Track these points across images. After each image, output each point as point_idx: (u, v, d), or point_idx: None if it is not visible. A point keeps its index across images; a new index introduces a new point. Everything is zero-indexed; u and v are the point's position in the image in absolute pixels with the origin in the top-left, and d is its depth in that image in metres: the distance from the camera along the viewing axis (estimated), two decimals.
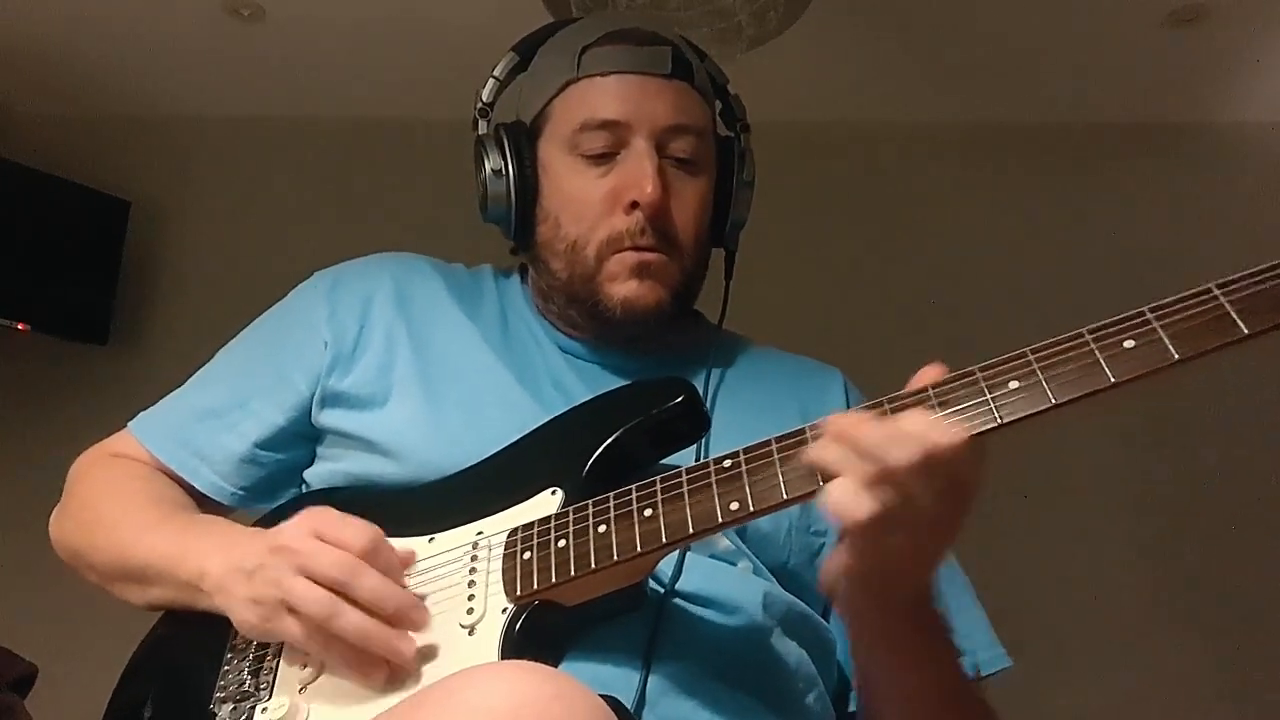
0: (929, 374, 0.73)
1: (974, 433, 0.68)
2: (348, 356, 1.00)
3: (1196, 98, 2.76)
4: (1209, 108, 2.79)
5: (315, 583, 0.76)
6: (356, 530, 0.78)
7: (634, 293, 0.98)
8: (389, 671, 0.76)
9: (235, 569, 0.82)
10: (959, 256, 2.75)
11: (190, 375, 1.09)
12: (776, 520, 0.75)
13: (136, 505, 0.97)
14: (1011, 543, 2.35)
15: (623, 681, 0.79)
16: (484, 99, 1.09)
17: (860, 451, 0.68)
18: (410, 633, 0.77)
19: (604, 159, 1.00)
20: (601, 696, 0.66)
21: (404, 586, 0.80)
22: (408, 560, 0.81)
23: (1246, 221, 2.51)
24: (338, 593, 0.76)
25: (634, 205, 0.97)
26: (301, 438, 1.02)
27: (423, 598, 0.80)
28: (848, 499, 0.68)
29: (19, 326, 2.69)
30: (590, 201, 1.00)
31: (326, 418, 0.99)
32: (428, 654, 0.77)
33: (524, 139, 1.05)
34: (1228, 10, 2.44)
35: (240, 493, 1.01)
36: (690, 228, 1.01)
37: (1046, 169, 2.82)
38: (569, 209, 1.01)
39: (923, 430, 0.67)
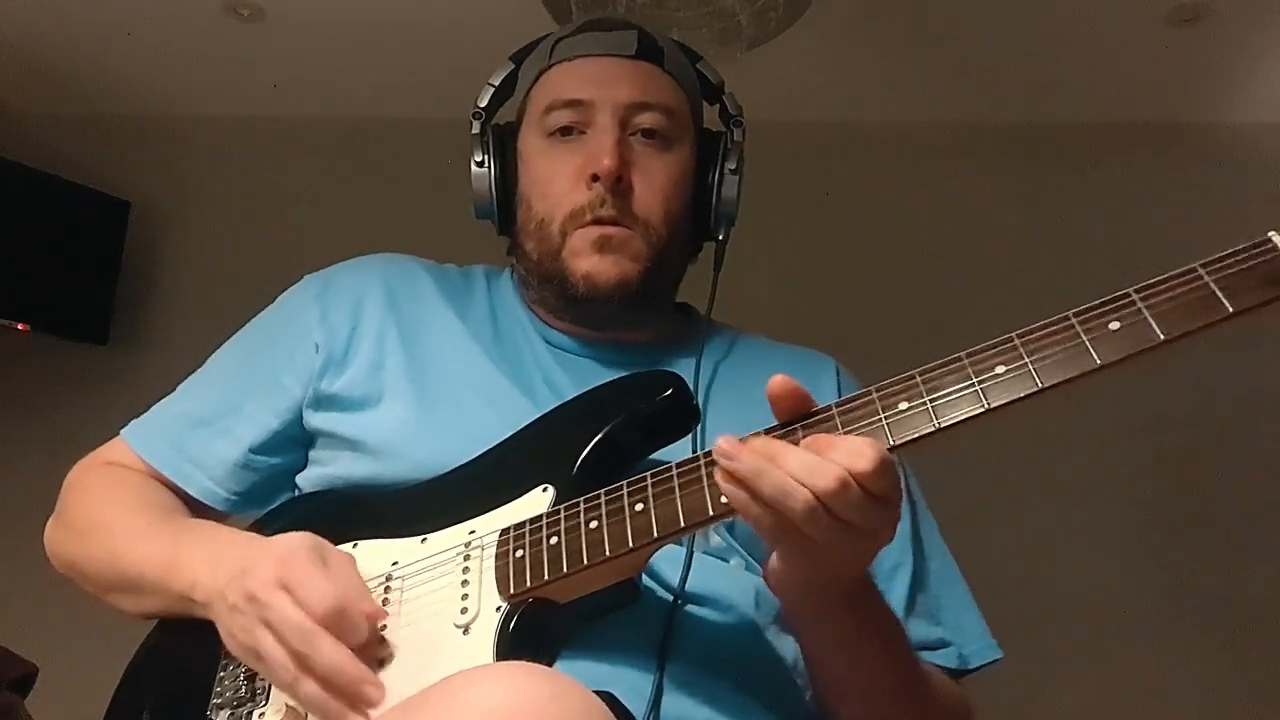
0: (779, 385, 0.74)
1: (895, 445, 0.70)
2: (339, 359, 1.00)
3: (1196, 98, 2.75)
4: (1209, 108, 2.78)
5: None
6: (321, 593, 0.76)
7: (596, 266, 0.99)
8: None
9: (219, 594, 0.81)
10: (958, 256, 2.75)
11: (190, 375, 1.09)
12: None
13: (129, 512, 0.97)
14: (1009, 541, 2.35)
15: (634, 681, 0.79)
16: (479, 104, 1.11)
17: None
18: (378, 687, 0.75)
19: (571, 139, 1.02)
20: (599, 693, 0.66)
21: (378, 637, 0.78)
22: (376, 616, 0.79)
23: (1246, 221, 2.49)
24: None
25: (595, 179, 0.99)
26: (294, 441, 1.02)
27: (408, 632, 0.80)
28: (778, 531, 0.70)
29: (19, 326, 2.69)
30: (556, 179, 1.02)
31: (318, 420, 0.99)
32: (423, 654, 0.78)
33: (507, 134, 1.09)
34: (1228, 10, 2.44)
35: (234, 498, 1.01)
36: (657, 203, 1.01)
37: (1046, 169, 2.82)
38: (537, 188, 1.03)
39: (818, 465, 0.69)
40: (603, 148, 0.99)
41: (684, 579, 0.85)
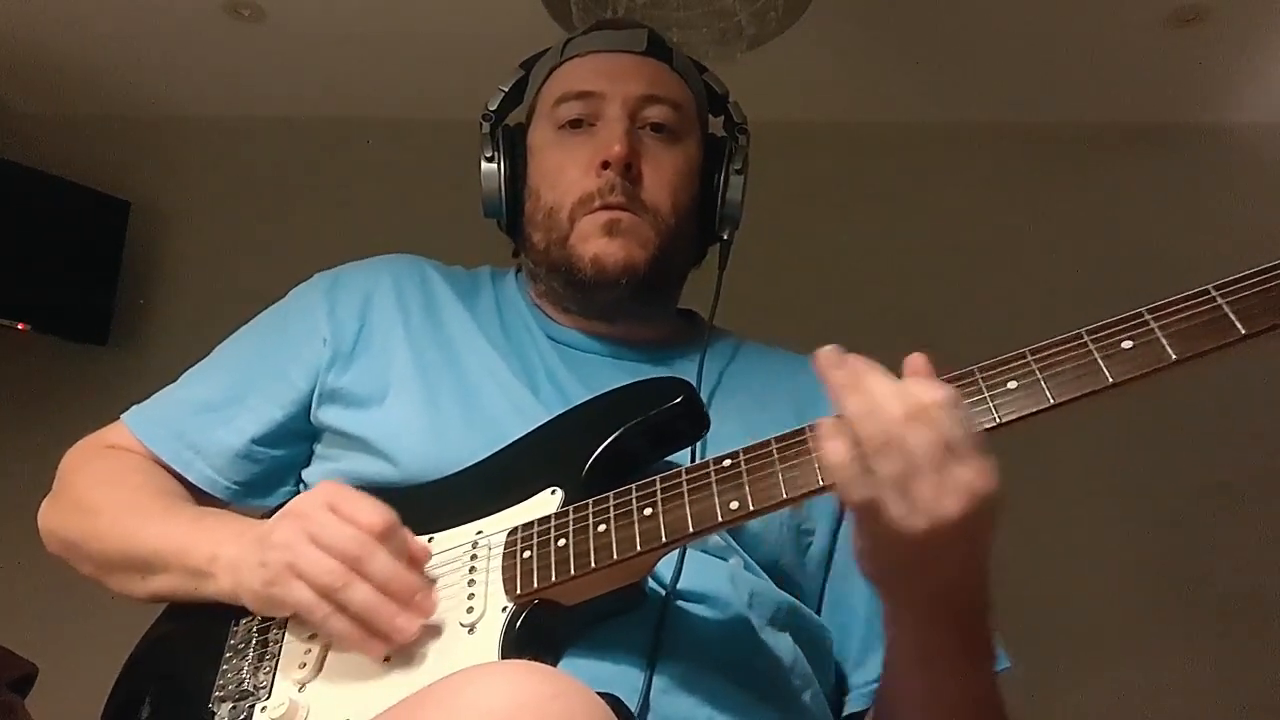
0: (915, 364, 0.72)
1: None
2: (347, 354, 1.00)
3: (1196, 98, 2.76)
4: (1209, 108, 2.79)
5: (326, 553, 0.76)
6: (373, 508, 0.78)
7: (604, 249, 1.00)
8: (390, 648, 0.76)
9: (251, 543, 0.82)
10: (959, 257, 2.75)
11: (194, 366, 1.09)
12: (767, 518, 0.76)
13: (142, 495, 0.97)
14: (1010, 543, 2.35)
15: (626, 680, 0.79)
16: (489, 107, 1.13)
17: (869, 402, 0.67)
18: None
19: (581, 131, 1.04)
20: (602, 694, 0.66)
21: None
22: (421, 556, 0.81)
23: (1246, 221, 2.51)
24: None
25: (605, 165, 1.00)
26: (299, 435, 1.02)
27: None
28: (851, 473, 0.68)
29: (19, 326, 2.70)
30: (566, 168, 1.03)
31: (325, 415, 1.00)
32: (428, 653, 0.77)
33: (516, 134, 1.11)
34: (1228, 10, 2.45)
35: (235, 487, 1.01)
36: (665, 192, 1.03)
37: (1046, 169, 2.82)
38: (547, 178, 1.05)
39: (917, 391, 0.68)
40: (613, 135, 1.01)
41: (676, 576, 0.85)
